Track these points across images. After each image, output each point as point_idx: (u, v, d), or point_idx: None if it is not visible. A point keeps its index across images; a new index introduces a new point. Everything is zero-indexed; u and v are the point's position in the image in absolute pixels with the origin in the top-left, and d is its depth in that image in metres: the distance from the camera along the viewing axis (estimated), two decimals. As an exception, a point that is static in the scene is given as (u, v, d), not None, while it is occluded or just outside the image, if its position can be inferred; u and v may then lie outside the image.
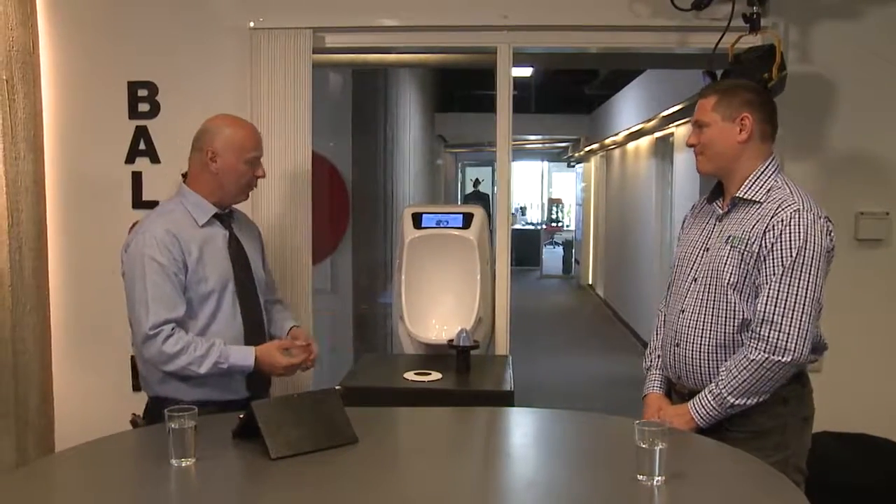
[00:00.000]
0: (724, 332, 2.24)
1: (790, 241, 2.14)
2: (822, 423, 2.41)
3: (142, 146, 3.39)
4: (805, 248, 2.13)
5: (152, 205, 3.09)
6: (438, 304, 3.09)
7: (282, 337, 2.67)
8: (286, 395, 2.14)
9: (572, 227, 17.47)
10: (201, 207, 2.51)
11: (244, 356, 2.43)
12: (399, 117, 6.79)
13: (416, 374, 2.74)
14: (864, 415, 3.19)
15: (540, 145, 15.75)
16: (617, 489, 1.76)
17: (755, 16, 2.99)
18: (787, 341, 2.12)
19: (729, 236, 2.25)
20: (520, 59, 3.51)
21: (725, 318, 2.24)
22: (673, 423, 2.15)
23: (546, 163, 19.29)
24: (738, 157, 2.26)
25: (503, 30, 3.33)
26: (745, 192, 2.25)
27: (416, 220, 3.14)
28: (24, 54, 3.22)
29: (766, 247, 2.17)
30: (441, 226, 3.13)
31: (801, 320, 2.13)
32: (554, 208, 19.42)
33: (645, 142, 8.87)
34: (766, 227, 2.17)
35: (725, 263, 2.24)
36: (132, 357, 3.07)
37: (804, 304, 2.13)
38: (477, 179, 16.87)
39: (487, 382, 2.79)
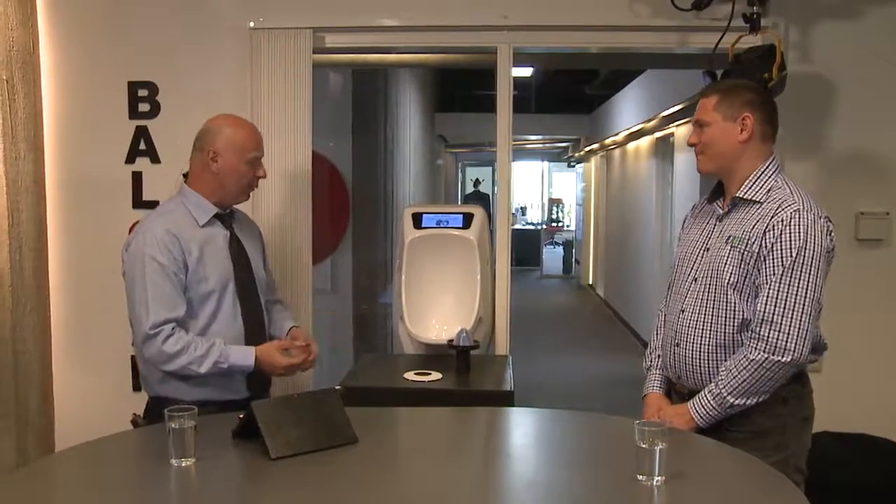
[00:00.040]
0: (724, 332, 2.24)
1: (790, 241, 2.14)
2: (822, 423, 2.41)
3: (142, 146, 3.39)
4: (805, 249, 2.13)
5: (152, 205, 3.10)
6: (438, 304, 3.09)
7: (281, 337, 2.67)
8: (286, 395, 2.14)
9: (572, 227, 17.48)
10: (202, 207, 2.51)
11: (244, 356, 2.43)
12: (399, 117, 6.79)
13: (416, 374, 2.74)
14: (864, 415, 3.19)
15: (540, 145, 15.75)
16: (617, 489, 1.76)
17: (755, 16, 2.99)
18: (786, 341, 2.12)
19: (729, 236, 2.25)
20: (520, 59, 3.51)
21: (725, 318, 2.24)
22: (673, 422, 2.15)
23: (546, 163, 19.29)
24: (738, 157, 2.27)
25: (503, 30, 3.33)
26: (746, 192, 2.25)
27: (417, 220, 3.14)
28: (25, 54, 3.22)
29: (766, 247, 2.17)
30: (441, 226, 3.13)
31: (800, 320, 2.13)
32: (554, 208, 19.43)
33: (645, 142, 8.87)
34: (767, 227, 2.17)
35: (725, 263, 2.24)
36: (132, 357, 3.08)
37: (804, 304, 2.13)
38: (477, 179, 16.87)
39: (487, 382, 2.79)
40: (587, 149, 12.66)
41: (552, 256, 16.81)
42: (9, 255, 3.14)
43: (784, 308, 2.13)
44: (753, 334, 2.17)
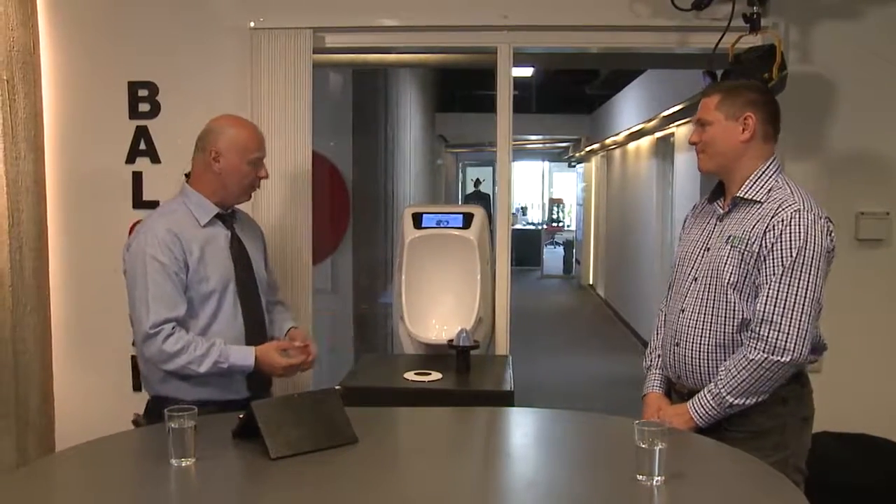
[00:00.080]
0: (724, 332, 2.24)
1: (790, 241, 2.14)
2: (822, 423, 2.41)
3: (142, 146, 3.39)
4: (805, 249, 2.13)
5: (153, 205, 3.11)
6: (438, 304, 3.09)
7: (280, 338, 2.67)
8: (286, 395, 2.14)
9: (573, 227, 17.49)
10: (203, 207, 2.52)
11: (244, 356, 2.44)
12: (399, 117, 6.79)
13: (416, 374, 2.74)
14: (864, 415, 3.19)
15: (540, 145, 15.75)
16: (617, 489, 1.76)
17: (755, 16, 2.98)
18: (786, 341, 2.12)
19: (729, 236, 2.25)
20: (520, 59, 3.51)
21: (725, 317, 2.24)
22: (672, 422, 2.15)
23: (547, 163, 19.28)
24: (739, 157, 2.26)
25: (503, 30, 3.33)
26: (746, 192, 2.25)
27: (417, 220, 3.14)
28: (25, 54, 3.22)
29: (766, 247, 2.17)
30: (441, 226, 3.13)
31: (800, 320, 2.13)
32: (555, 208, 19.43)
33: (646, 142, 8.87)
34: (767, 227, 2.17)
35: (726, 263, 2.24)
36: (133, 357, 3.09)
37: (804, 304, 2.13)
38: (478, 179, 16.86)
39: (487, 382, 2.79)
40: (587, 149, 12.66)
41: (553, 256, 16.81)
42: (9, 255, 3.14)
43: (784, 308, 2.13)
44: (753, 334, 2.17)
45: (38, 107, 3.33)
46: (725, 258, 2.24)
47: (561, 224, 18.96)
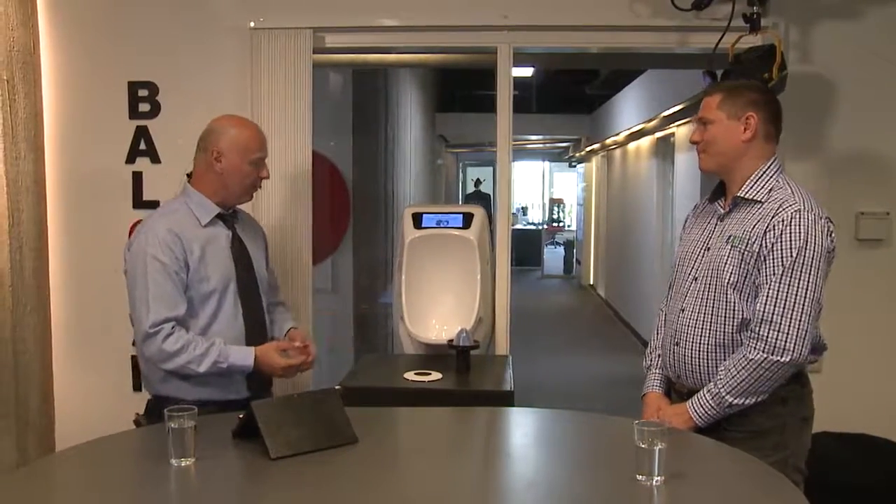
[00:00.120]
0: (724, 332, 2.24)
1: (790, 241, 2.14)
2: (822, 423, 2.41)
3: (142, 146, 3.39)
4: (805, 249, 2.13)
5: (153, 205, 3.11)
6: (438, 304, 3.09)
7: (280, 338, 2.67)
8: (286, 395, 2.14)
9: (573, 227, 17.48)
10: (204, 207, 2.52)
11: (244, 356, 2.44)
12: (400, 117, 6.79)
13: (416, 374, 2.74)
14: (864, 415, 3.19)
15: (541, 145, 15.75)
16: (617, 489, 1.76)
17: (755, 16, 2.99)
18: (786, 341, 2.12)
19: (730, 236, 2.25)
20: (520, 59, 3.51)
21: (725, 317, 2.24)
22: (672, 422, 2.15)
23: (547, 163, 19.29)
24: (740, 156, 2.26)
25: (503, 30, 3.33)
26: (747, 192, 2.25)
27: (417, 219, 3.14)
28: (25, 54, 3.22)
29: (766, 247, 2.17)
30: (441, 226, 3.13)
31: (800, 320, 2.13)
32: (555, 208, 19.43)
33: (646, 142, 8.87)
34: (767, 227, 2.17)
35: (726, 263, 2.24)
36: (133, 357, 3.09)
37: (804, 305, 2.13)
38: (478, 179, 16.86)
39: (487, 382, 2.79)
40: (588, 149, 12.66)
41: (553, 256, 16.81)
42: (9, 255, 3.14)
43: (784, 308, 2.13)
44: (753, 334, 2.17)
45: (38, 107, 3.33)
46: (726, 258, 2.24)
47: (561, 224, 18.95)
